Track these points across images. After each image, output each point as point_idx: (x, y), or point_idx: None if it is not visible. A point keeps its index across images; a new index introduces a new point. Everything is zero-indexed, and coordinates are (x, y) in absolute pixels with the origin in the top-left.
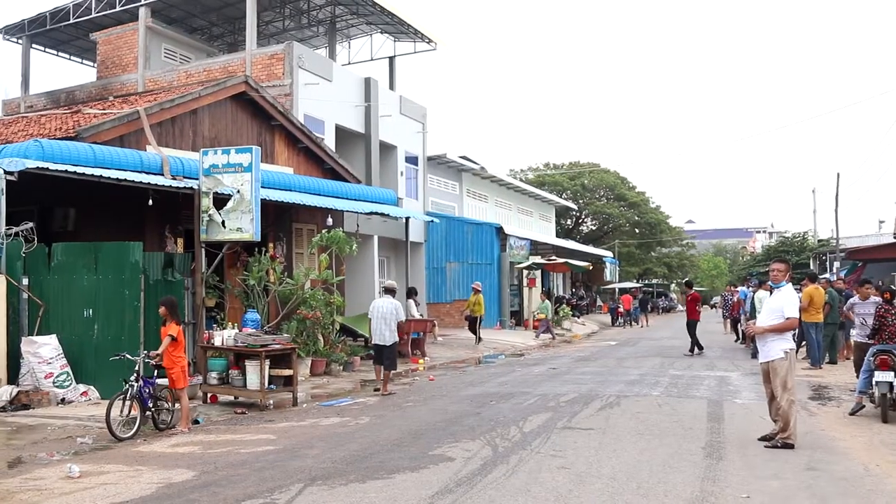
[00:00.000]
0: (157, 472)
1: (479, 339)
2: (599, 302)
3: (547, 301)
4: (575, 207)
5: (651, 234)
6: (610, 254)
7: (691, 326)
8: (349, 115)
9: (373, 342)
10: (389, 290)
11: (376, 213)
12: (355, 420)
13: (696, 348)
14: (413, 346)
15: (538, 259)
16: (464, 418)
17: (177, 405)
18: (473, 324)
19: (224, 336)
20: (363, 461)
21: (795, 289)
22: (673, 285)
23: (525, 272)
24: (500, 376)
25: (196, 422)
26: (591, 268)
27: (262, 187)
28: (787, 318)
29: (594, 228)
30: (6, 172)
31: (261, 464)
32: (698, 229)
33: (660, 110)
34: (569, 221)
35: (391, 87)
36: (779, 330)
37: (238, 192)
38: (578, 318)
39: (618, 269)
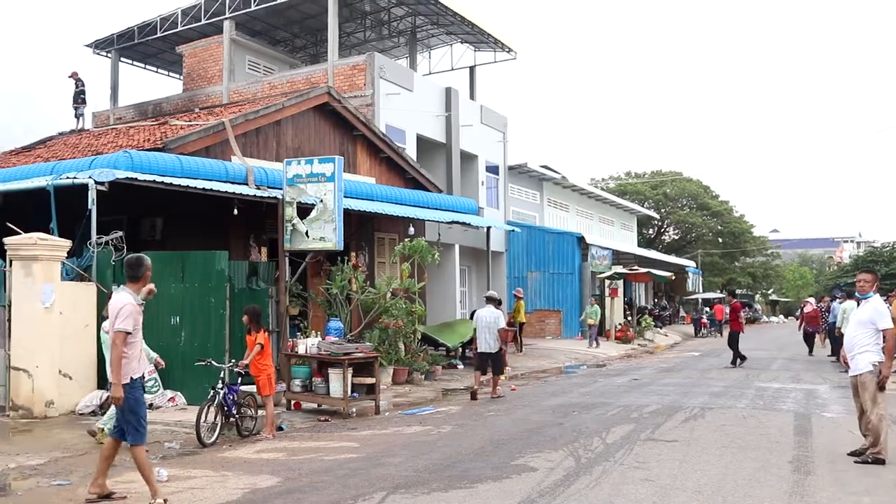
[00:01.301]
0: (242, 478)
1: (521, 347)
2: (682, 312)
3: (597, 306)
4: (657, 217)
5: (735, 244)
6: (693, 263)
7: (733, 338)
8: (430, 124)
9: (478, 350)
10: (491, 300)
11: (457, 223)
12: (437, 429)
13: (737, 360)
14: None
15: (620, 269)
16: (546, 428)
17: (261, 412)
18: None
19: (307, 344)
20: (445, 470)
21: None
22: (758, 296)
23: (607, 282)
24: (582, 386)
25: (280, 428)
26: (673, 278)
27: (344, 197)
28: (884, 330)
29: (676, 238)
30: (97, 183)
31: (344, 471)
32: (783, 238)
33: (744, 117)
34: (651, 231)
35: (472, 96)
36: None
37: (321, 201)
38: (661, 328)
39: (701, 279)
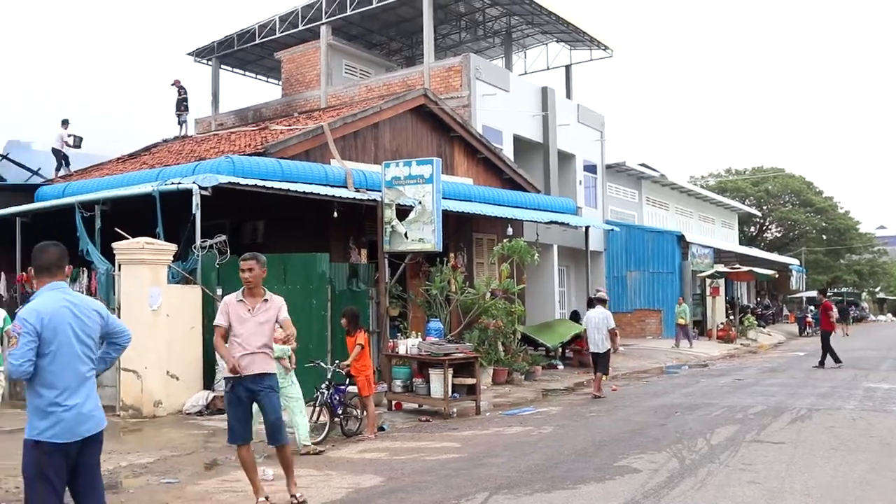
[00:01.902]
0: (346, 478)
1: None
2: (786, 311)
3: (685, 305)
4: (759, 214)
5: (839, 241)
6: (796, 261)
7: (825, 337)
8: (527, 124)
9: (590, 350)
10: (600, 301)
11: (556, 223)
12: (538, 429)
13: (829, 360)
14: None
15: (721, 267)
16: (648, 429)
17: (364, 412)
18: None
19: (408, 345)
20: (548, 471)
21: None
22: (864, 294)
23: (708, 281)
24: (684, 387)
25: (381, 429)
26: (776, 276)
27: (442, 198)
28: None
29: (779, 235)
30: (201, 188)
31: (446, 471)
32: (890, 235)
33: (850, 110)
34: (752, 228)
35: (568, 95)
36: None
37: (420, 203)
38: (764, 328)
39: (804, 277)
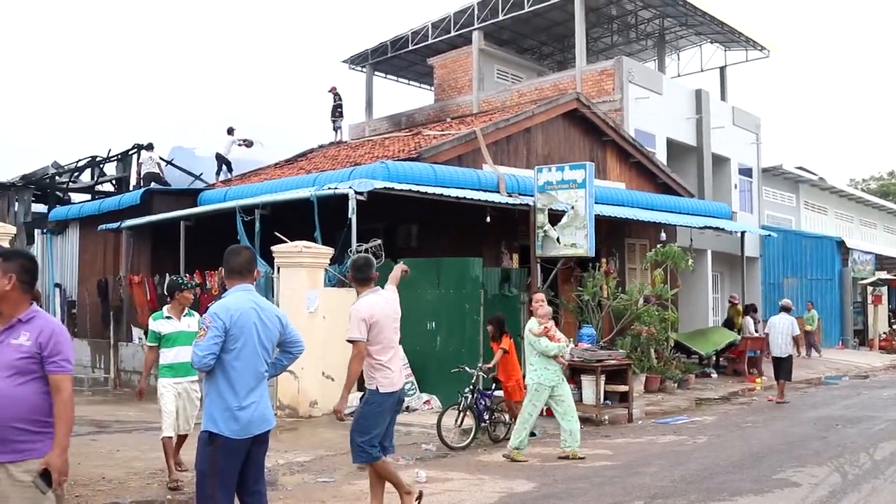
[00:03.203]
0: (498, 482)
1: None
2: None
3: (814, 311)
4: None
5: None
6: None
7: None
8: (680, 128)
9: (771, 354)
10: (784, 308)
11: (710, 228)
12: (693, 439)
13: None
14: (750, 364)
15: (884, 274)
16: (807, 442)
17: (513, 417)
18: None
19: None
20: (703, 482)
21: None
22: None
23: (869, 289)
24: (845, 399)
25: (532, 434)
26: None
27: (595, 203)
28: None
29: None
30: (357, 193)
31: (599, 479)
32: None
33: None
34: None
35: (722, 97)
36: None
37: (572, 208)
38: None
39: None
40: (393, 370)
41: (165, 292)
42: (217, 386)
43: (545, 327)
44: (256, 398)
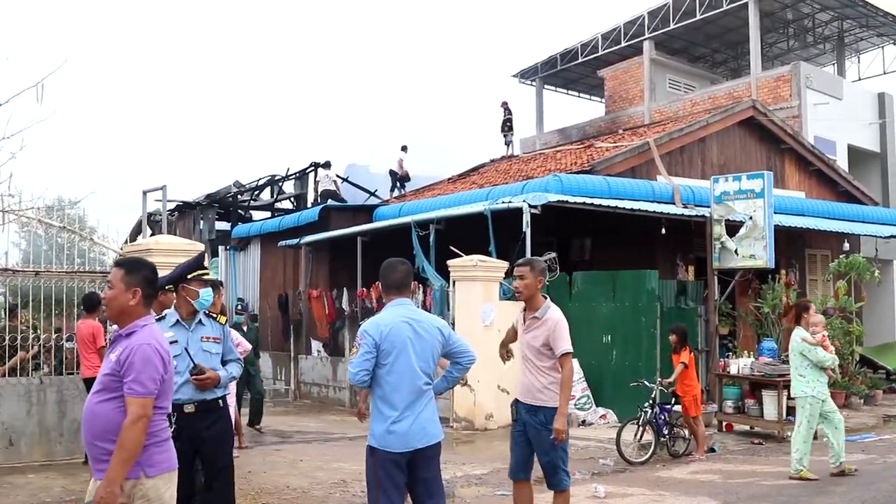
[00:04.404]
0: (679, 499)
1: None
2: None
3: None
4: None
5: None
6: None
7: None
8: (861, 133)
9: None
10: None
11: None
12: (882, 458)
13: None
14: None
15: None
16: None
17: (692, 433)
18: None
19: (739, 364)
20: None
21: None
22: None
23: None
24: None
25: (712, 450)
26: None
27: (773, 213)
28: None
29: None
30: (530, 206)
31: (784, 497)
32: None
33: None
34: None
35: None
36: None
37: (750, 218)
38: None
39: None
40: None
41: None
42: (375, 401)
43: (823, 335)
44: (415, 412)
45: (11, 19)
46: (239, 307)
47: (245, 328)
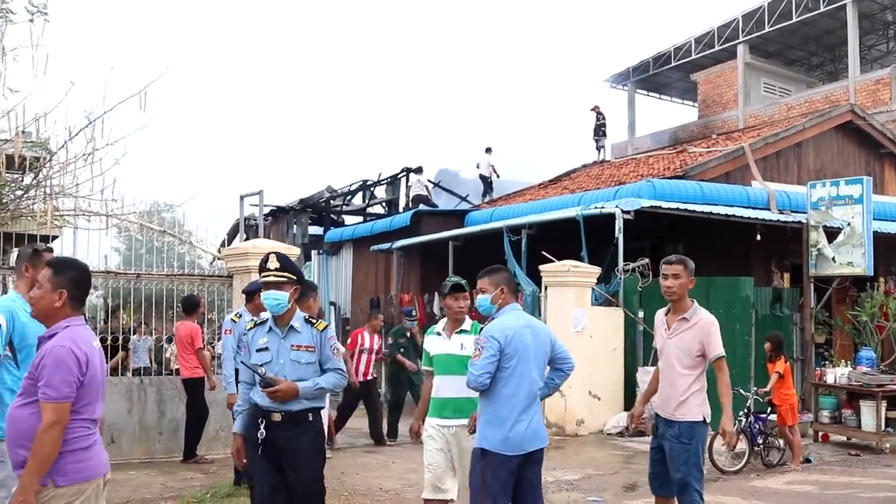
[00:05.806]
0: None
1: None
2: None
3: None
4: None
5: None
6: None
7: None
8: None
9: None
10: None
11: None
12: None
13: None
14: None
15: None
16: None
17: (786, 443)
18: None
19: (836, 374)
20: None
21: None
22: None
23: None
24: None
25: (807, 460)
26: None
27: (873, 219)
28: None
29: None
30: (623, 212)
31: None
32: None
33: None
34: None
35: None
36: None
37: (849, 224)
38: None
39: None
40: None
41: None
42: (491, 404)
43: None
44: (529, 416)
45: (117, 29)
46: (412, 312)
47: (408, 335)
